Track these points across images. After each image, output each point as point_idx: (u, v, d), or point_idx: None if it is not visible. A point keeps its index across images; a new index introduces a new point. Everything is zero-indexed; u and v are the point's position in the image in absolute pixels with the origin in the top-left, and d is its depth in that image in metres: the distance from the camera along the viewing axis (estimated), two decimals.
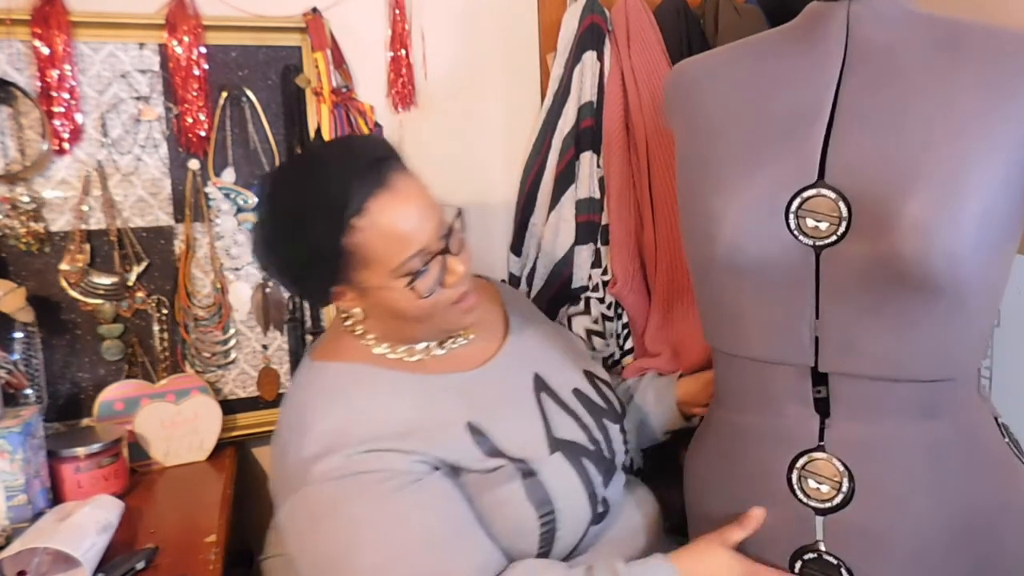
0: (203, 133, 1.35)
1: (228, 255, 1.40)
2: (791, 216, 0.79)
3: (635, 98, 1.30)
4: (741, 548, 0.90)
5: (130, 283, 1.35)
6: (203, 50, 1.33)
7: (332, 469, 0.81)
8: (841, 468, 0.82)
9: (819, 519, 0.84)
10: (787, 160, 0.81)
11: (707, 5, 1.34)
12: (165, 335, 1.38)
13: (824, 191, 0.78)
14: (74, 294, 1.31)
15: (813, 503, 0.84)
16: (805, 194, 0.78)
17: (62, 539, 0.97)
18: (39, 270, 1.30)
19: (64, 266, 1.30)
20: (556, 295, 1.35)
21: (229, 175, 1.38)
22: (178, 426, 1.34)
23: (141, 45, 1.32)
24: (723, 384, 0.96)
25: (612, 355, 1.36)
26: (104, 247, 1.34)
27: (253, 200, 1.38)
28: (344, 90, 1.39)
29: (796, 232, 0.79)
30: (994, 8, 1.12)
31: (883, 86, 0.79)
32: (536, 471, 0.88)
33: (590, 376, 1.07)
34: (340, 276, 0.87)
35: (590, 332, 1.31)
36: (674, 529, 1.36)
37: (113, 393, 1.32)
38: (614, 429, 1.02)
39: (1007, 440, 0.86)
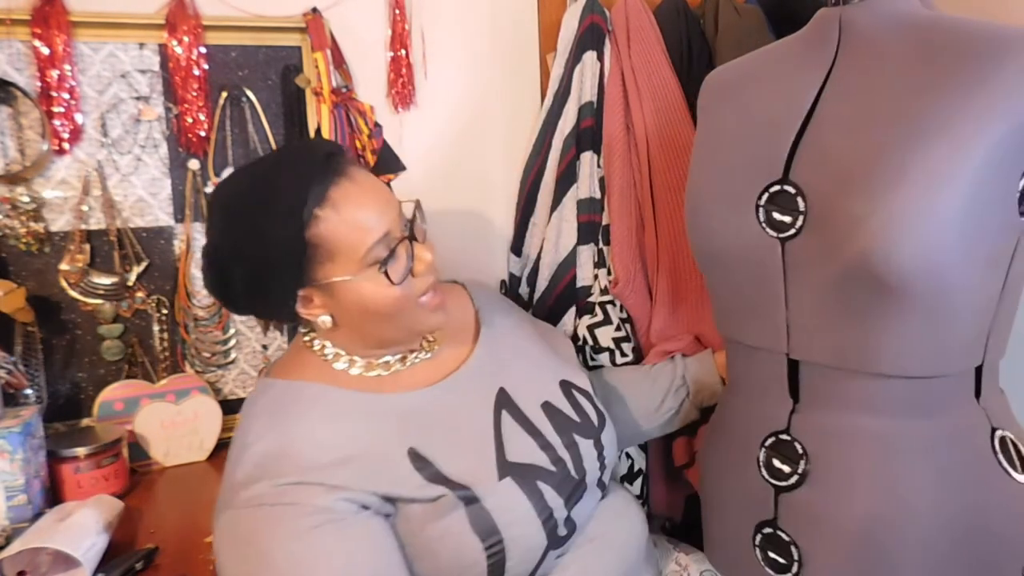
0: (203, 133, 1.35)
1: None
2: (760, 210, 0.85)
3: (635, 98, 1.30)
4: (715, 518, 0.98)
5: (130, 283, 1.35)
6: (203, 50, 1.33)
7: (256, 496, 0.79)
8: (801, 451, 0.86)
9: (777, 498, 0.89)
10: (762, 158, 0.86)
11: (707, 5, 1.34)
12: (165, 335, 1.38)
13: (787, 186, 0.83)
14: (74, 294, 1.31)
15: (774, 481, 0.89)
16: (772, 189, 0.84)
17: (62, 539, 0.97)
18: (39, 270, 1.30)
19: (64, 266, 1.30)
20: (560, 295, 1.35)
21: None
22: (178, 426, 1.34)
23: (141, 45, 1.32)
24: (728, 369, 1.03)
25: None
26: (104, 247, 1.34)
27: None
28: (344, 90, 1.39)
29: (764, 224, 0.85)
30: (994, 8, 1.12)
31: (861, 88, 0.81)
32: (480, 498, 0.83)
33: (566, 387, 1.02)
34: (306, 276, 0.85)
35: (617, 340, 1.29)
36: (674, 530, 1.36)
37: (113, 393, 1.32)
38: (586, 444, 0.96)
39: (998, 451, 0.83)
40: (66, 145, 1.29)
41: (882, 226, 0.72)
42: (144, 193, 1.35)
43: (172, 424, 1.34)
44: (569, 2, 1.39)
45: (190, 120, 1.34)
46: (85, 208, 1.32)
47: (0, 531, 1.08)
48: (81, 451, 1.18)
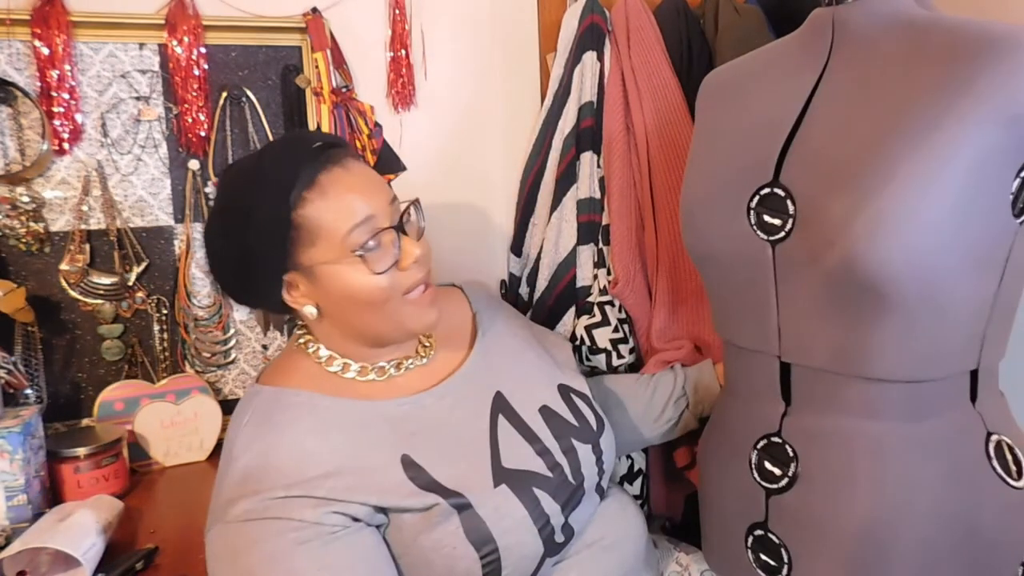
0: (203, 133, 1.35)
1: None
2: (751, 212, 0.85)
3: (635, 98, 1.30)
4: (712, 520, 0.98)
5: (130, 283, 1.35)
6: (203, 50, 1.33)
7: (243, 512, 0.78)
8: (791, 454, 0.86)
9: (767, 500, 0.89)
10: (753, 160, 0.86)
11: (707, 5, 1.34)
12: (165, 335, 1.38)
13: (776, 189, 0.82)
14: (74, 294, 1.31)
15: (765, 484, 0.89)
16: (762, 192, 0.84)
17: (62, 539, 0.97)
18: (39, 270, 1.30)
19: (64, 266, 1.30)
20: (560, 295, 1.35)
21: None
22: (178, 426, 1.34)
23: (141, 45, 1.32)
24: (725, 370, 1.02)
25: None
26: (104, 247, 1.34)
27: None
28: (344, 90, 1.39)
29: (755, 227, 0.85)
30: (994, 8, 1.12)
31: (852, 90, 0.80)
32: (475, 506, 0.82)
33: (565, 391, 1.01)
34: (290, 259, 0.85)
35: (615, 342, 1.29)
36: (674, 530, 1.36)
37: (113, 393, 1.32)
38: (584, 449, 0.95)
39: (991, 456, 0.82)
40: (66, 145, 1.29)
41: (867, 228, 0.71)
42: (144, 193, 1.35)
43: (172, 424, 1.34)
44: (569, 2, 1.39)
45: (190, 120, 1.34)
46: (85, 208, 1.32)
47: (0, 531, 1.08)
48: (81, 451, 1.19)
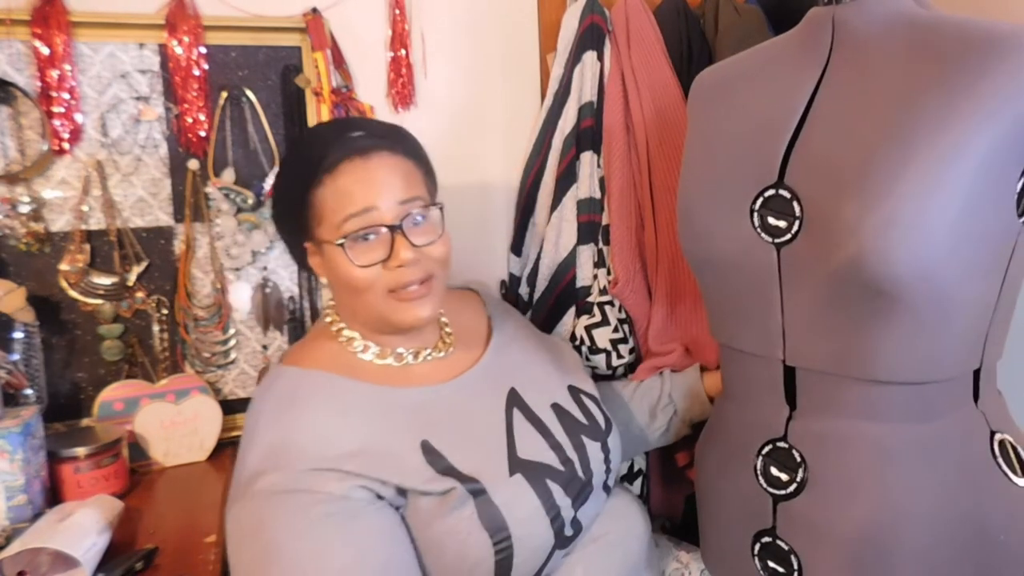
0: (203, 133, 1.35)
1: (228, 255, 1.40)
2: (755, 214, 0.84)
3: (635, 98, 1.30)
4: (712, 526, 0.96)
5: (130, 283, 1.35)
6: (203, 50, 1.33)
7: (269, 485, 0.79)
8: (799, 459, 0.85)
9: (775, 506, 0.87)
10: (756, 161, 0.85)
11: (707, 5, 1.34)
12: (165, 335, 1.38)
13: (782, 190, 0.81)
14: (74, 294, 1.31)
15: (772, 490, 0.87)
16: (767, 194, 0.83)
17: (62, 539, 0.97)
18: (39, 270, 1.30)
19: (64, 266, 1.30)
20: (560, 295, 1.35)
21: (229, 175, 1.38)
22: (178, 426, 1.34)
23: (141, 45, 1.32)
24: (723, 375, 1.01)
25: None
26: (104, 247, 1.34)
27: (253, 200, 1.38)
28: (344, 90, 1.39)
29: (759, 229, 0.84)
30: (994, 8, 1.12)
31: (854, 89, 0.80)
32: (490, 492, 0.84)
33: (575, 391, 1.04)
34: (306, 230, 0.93)
35: (614, 342, 1.29)
36: (674, 530, 1.36)
37: (113, 393, 1.32)
38: (593, 447, 0.98)
39: (997, 455, 0.82)
40: (66, 145, 1.29)
41: (875, 230, 0.71)
42: (144, 193, 1.35)
43: (172, 424, 1.34)
44: (569, 2, 1.39)
45: (190, 120, 1.34)
46: (85, 208, 1.32)
47: (0, 531, 1.08)
48: (81, 451, 1.18)
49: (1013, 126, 0.70)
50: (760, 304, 0.86)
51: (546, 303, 1.37)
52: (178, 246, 1.38)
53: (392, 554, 0.80)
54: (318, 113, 1.38)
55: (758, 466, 0.89)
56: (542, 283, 1.37)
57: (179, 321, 1.38)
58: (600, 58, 1.32)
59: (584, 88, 1.33)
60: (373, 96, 1.44)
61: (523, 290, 1.43)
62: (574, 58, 1.34)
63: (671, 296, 1.29)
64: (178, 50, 1.31)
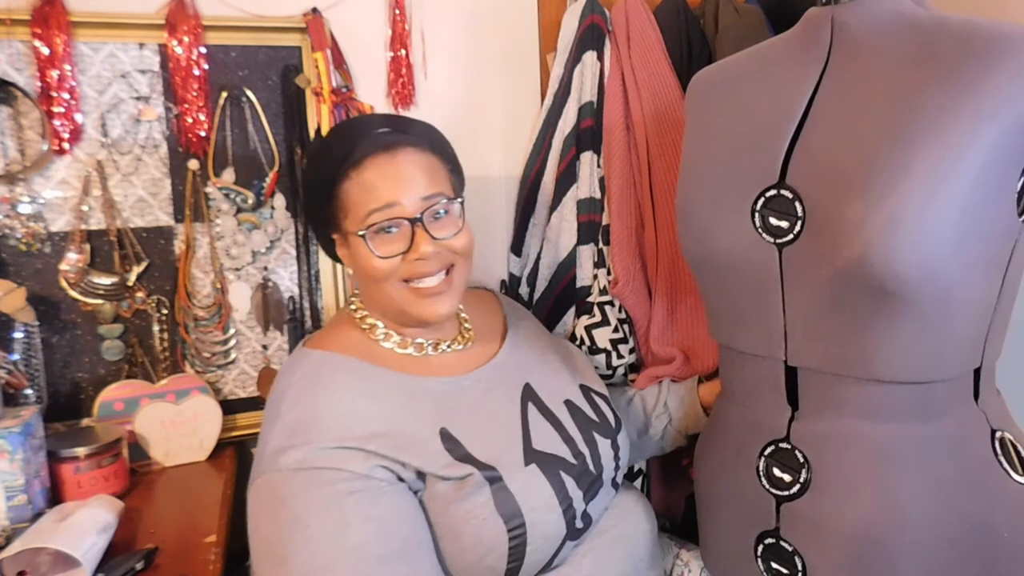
0: (203, 133, 1.35)
1: (228, 255, 1.40)
2: (756, 215, 0.84)
3: (635, 98, 1.30)
4: (713, 527, 0.97)
5: (130, 283, 1.35)
6: (203, 50, 1.33)
7: (293, 461, 0.81)
8: (802, 459, 0.85)
9: (779, 506, 0.87)
10: (757, 161, 0.85)
11: (707, 5, 1.34)
12: (165, 335, 1.38)
13: (783, 191, 0.81)
14: (74, 294, 1.31)
15: (774, 491, 0.87)
16: (768, 194, 0.83)
17: (62, 539, 0.97)
18: (39, 270, 1.30)
19: (64, 266, 1.30)
20: (560, 295, 1.35)
21: (229, 175, 1.38)
22: (178, 426, 1.34)
23: (141, 45, 1.32)
24: (723, 375, 1.01)
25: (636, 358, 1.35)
26: (104, 247, 1.34)
27: (253, 200, 1.38)
28: (344, 90, 1.39)
29: (761, 230, 0.83)
30: (994, 8, 1.12)
31: (855, 89, 0.80)
32: (505, 480, 0.86)
33: (586, 390, 1.07)
34: (333, 222, 0.96)
35: (614, 342, 1.29)
36: (674, 529, 1.36)
37: (113, 393, 1.32)
38: (604, 444, 1.00)
39: (999, 453, 0.82)
40: (66, 145, 1.29)
41: (880, 230, 0.71)
42: (144, 193, 1.35)
43: (172, 424, 1.34)
44: (569, 2, 1.39)
45: (190, 120, 1.34)
46: (85, 208, 1.32)
47: (0, 531, 1.08)
48: (81, 451, 1.18)
49: (1014, 126, 0.70)
50: (761, 305, 0.86)
51: (546, 303, 1.37)
52: (178, 246, 1.38)
53: (411, 533, 0.82)
54: (318, 113, 1.38)
55: (760, 467, 0.88)
56: (542, 283, 1.37)
57: (179, 321, 1.38)
58: (600, 58, 1.32)
59: (584, 88, 1.33)
60: (373, 96, 1.44)
61: (523, 290, 1.43)
62: (574, 58, 1.34)
63: (671, 296, 1.29)
64: (178, 50, 1.31)
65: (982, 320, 0.79)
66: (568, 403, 1.02)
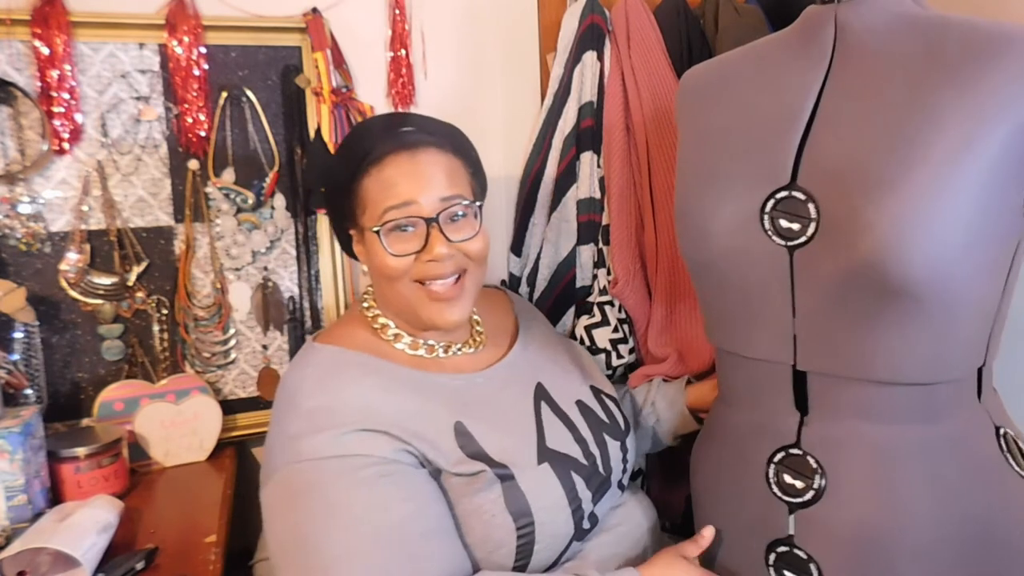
0: (203, 133, 1.35)
1: (228, 255, 1.40)
2: (765, 217, 0.82)
3: (635, 98, 1.30)
4: (721, 537, 0.94)
5: (130, 283, 1.35)
6: (203, 50, 1.33)
7: (317, 448, 0.81)
8: (815, 465, 0.83)
9: (791, 514, 0.85)
10: (765, 163, 0.83)
11: (707, 5, 1.34)
12: (165, 335, 1.38)
13: (795, 192, 0.79)
14: (74, 294, 1.31)
15: (786, 498, 0.85)
16: (778, 195, 0.81)
17: (62, 539, 0.97)
18: (39, 270, 1.30)
19: (64, 266, 1.30)
20: (560, 295, 1.35)
21: (229, 175, 1.38)
22: (178, 426, 1.34)
23: (141, 45, 1.32)
24: (721, 380, 0.99)
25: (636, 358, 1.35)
26: (104, 247, 1.34)
27: (253, 200, 1.38)
28: (344, 90, 1.39)
29: (770, 232, 0.81)
30: (994, 8, 1.12)
31: (862, 89, 0.79)
32: (517, 479, 0.86)
33: (596, 391, 1.07)
34: (351, 217, 0.95)
35: (614, 342, 1.29)
36: (674, 529, 1.36)
37: (113, 393, 1.32)
38: (614, 445, 1.01)
39: (1005, 450, 0.82)
40: (66, 145, 1.29)
41: (894, 231, 0.70)
42: (144, 193, 1.35)
43: (172, 424, 1.34)
44: (569, 2, 1.39)
45: (190, 120, 1.34)
46: (85, 208, 1.32)
47: (0, 531, 1.08)
48: (81, 451, 1.18)
49: (1016, 126, 0.70)
50: (768, 309, 0.84)
51: (546, 303, 1.37)
52: (178, 246, 1.38)
53: (444, 512, 0.83)
54: (318, 113, 1.38)
55: (770, 474, 0.86)
56: (542, 283, 1.37)
57: (179, 321, 1.38)
58: (600, 58, 1.32)
59: (584, 88, 1.33)
60: (373, 96, 1.44)
61: (523, 290, 1.43)
62: (574, 58, 1.34)
63: (671, 296, 1.29)
64: (178, 50, 1.31)
65: (987, 320, 0.79)
66: (580, 404, 1.02)
